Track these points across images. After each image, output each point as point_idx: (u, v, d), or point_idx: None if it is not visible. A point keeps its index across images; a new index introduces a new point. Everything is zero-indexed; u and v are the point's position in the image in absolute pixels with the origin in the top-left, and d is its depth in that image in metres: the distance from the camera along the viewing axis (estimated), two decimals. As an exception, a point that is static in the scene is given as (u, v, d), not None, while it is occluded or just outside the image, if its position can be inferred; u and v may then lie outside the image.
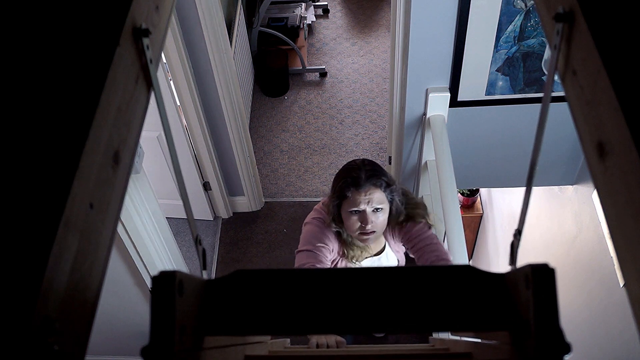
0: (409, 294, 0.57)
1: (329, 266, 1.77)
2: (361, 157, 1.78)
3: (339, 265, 1.85)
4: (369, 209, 1.67)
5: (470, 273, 0.60)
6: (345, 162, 1.73)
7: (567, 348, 0.51)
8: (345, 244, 1.82)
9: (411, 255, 1.86)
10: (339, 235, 1.81)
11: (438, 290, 0.58)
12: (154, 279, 0.55)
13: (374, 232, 1.71)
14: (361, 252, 1.85)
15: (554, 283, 0.54)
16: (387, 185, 1.69)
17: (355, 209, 1.66)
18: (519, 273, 0.57)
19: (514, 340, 0.58)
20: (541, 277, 0.54)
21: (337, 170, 1.78)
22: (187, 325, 0.56)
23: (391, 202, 1.72)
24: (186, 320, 0.56)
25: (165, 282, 0.54)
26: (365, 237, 1.72)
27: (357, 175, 1.66)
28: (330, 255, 1.78)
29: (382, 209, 1.69)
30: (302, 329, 0.60)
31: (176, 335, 0.53)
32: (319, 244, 1.74)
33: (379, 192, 1.68)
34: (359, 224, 1.68)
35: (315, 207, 1.88)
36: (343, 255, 1.85)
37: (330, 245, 1.78)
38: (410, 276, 0.59)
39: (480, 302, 0.58)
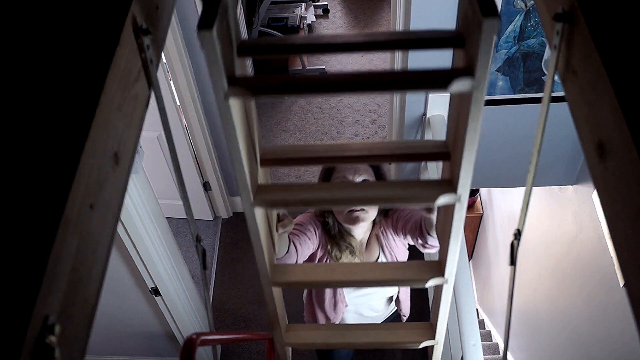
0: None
1: (309, 248, 1.66)
2: None
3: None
4: (357, 179, 1.57)
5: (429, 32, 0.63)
6: (345, 162, 1.73)
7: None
8: (333, 240, 1.71)
9: (410, 242, 1.71)
10: (327, 232, 1.71)
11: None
12: None
13: (363, 210, 1.58)
14: (349, 252, 1.72)
15: None
16: None
17: (343, 180, 1.57)
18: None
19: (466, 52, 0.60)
20: None
21: None
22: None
23: (380, 179, 1.62)
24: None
25: None
26: (354, 215, 1.58)
27: None
28: (312, 242, 1.67)
29: (369, 181, 1.57)
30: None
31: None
32: (304, 226, 1.66)
33: (365, 165, 1.59)
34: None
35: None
36: (329, 253, 1.73)
37: (315, 234, 1.69)
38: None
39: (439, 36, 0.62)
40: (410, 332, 1.13)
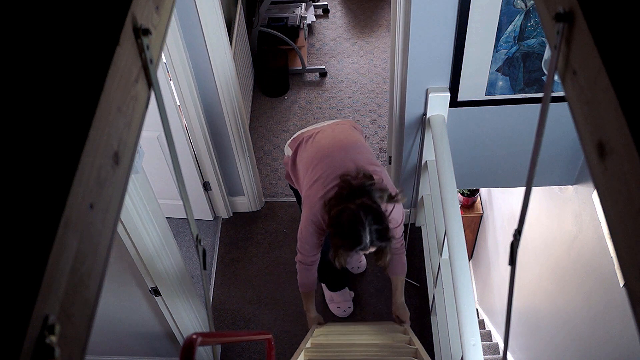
0: None
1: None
2: (358, 203, 1.75)
3: None
4: (365, 254, 1.91)
5: None
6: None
7: None
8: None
9: None
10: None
11: None
12: None
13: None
14: None
15: None
16: (388, 240, 1.77)
17: (355, 256, 1.93)
18: None
19: None
20: None
21: None
22: None
23: (385, 247, 1.82)
24: None
25: None
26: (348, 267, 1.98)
27: (362, 237, 1.71)
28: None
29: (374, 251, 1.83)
30: None
31: None
32: (312, 252, 2.01)
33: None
34: (349, 261, 1.89)
35: (312, 206, 1.93)
36: None
37: (321, 241, 2.00)
38: None
39: None
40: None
